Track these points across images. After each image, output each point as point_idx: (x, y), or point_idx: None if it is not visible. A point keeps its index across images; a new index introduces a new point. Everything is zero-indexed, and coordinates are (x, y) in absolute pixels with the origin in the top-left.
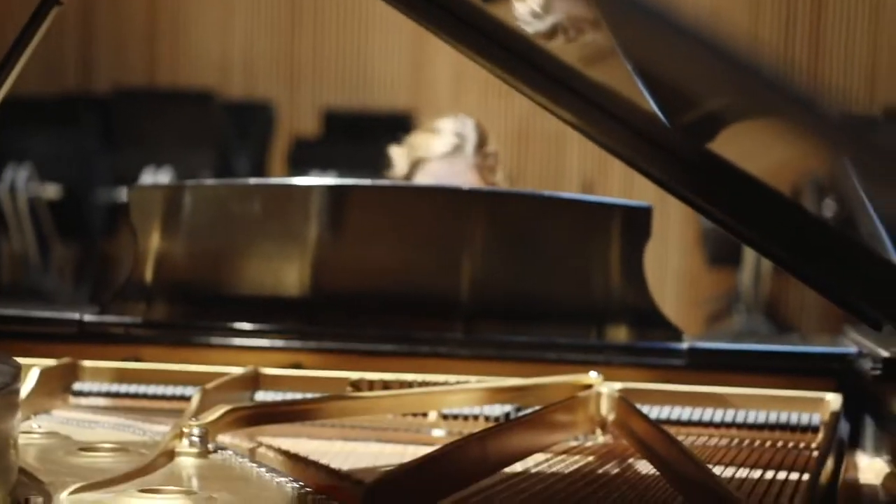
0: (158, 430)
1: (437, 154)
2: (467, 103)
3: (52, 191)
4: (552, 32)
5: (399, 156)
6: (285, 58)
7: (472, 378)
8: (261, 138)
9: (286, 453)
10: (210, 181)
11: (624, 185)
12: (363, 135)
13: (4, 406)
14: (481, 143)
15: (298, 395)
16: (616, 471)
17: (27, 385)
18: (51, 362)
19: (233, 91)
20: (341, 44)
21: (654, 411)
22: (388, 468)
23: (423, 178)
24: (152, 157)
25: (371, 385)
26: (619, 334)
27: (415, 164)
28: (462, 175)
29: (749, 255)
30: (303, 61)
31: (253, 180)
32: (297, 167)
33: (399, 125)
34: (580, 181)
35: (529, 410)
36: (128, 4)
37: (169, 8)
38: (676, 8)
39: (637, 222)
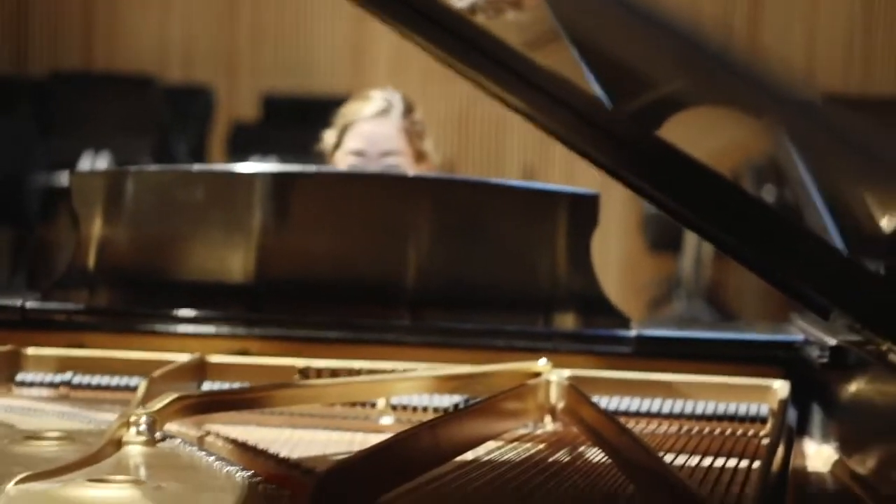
0: (105, 418)
1: (365, 115)
2: (407, 88)
3: None
4: (471, 10)
5: (330, 135)
6: (224, 42)
7: (421, 366)
8: (200, 123)
9: (235, 442)
10: (153, 167)
11: (566, 172)
12: (303, 120)
13: None
14: (408, 109)
15: (245, 384)
16: (567, 459)
17: None
18: None
19: (172, 76)
20: (280, 28)
21: (602, 400)
22: (338, 457)
23: (352, 141)
24: (90, 142)
25: (319, 373)
26: (567, 321)
27: (343, 129)
28: (391, 137)
29: (690, 240)
30: (242, 46)
31: (196, 167)
32: (237, 152)
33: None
34: (521, 167)
35: (480, 399)
36: None
37: None
38: None
39: (583, 210)
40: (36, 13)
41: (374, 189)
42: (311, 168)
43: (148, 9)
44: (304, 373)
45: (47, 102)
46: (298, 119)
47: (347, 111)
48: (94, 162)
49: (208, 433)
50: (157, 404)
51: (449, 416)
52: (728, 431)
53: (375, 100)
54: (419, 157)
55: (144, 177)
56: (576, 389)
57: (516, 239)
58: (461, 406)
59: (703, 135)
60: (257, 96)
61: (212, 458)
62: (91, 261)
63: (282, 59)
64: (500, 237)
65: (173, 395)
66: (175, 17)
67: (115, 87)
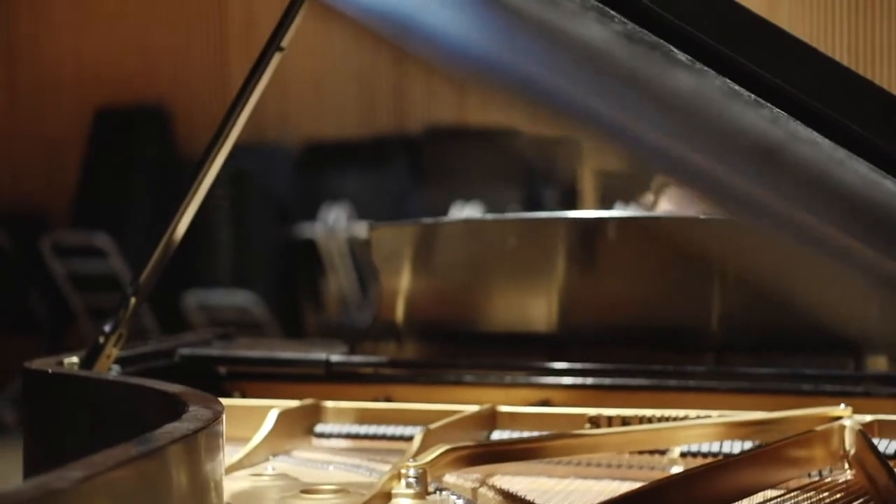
0: (387, 469)
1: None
2: None
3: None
4: None
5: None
6: None
7: (716, 413)
8: (568, 172)
9: (504, 493)
10: (447, 218)
11: None
12: None
13: (206, 448)
14: None
15: (535, 434)
16: None
17: (265, 427)
18: (292, 403)
19: (540, 129)
20: None
21: None
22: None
23: (665, 204)
24: (461, 193)
25: (609, 421)
26: (878, 364)
27: (658, 191)
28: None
29: None
30: None
31: (491, 216)
32: (605, 201)
33: None
34: None
35: (757, 446)
36: None
37: None
38: None
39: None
40: (412, 73)
41: (676, 231)
42: (611, 212)
43: None
44: (595, 421)
45: (421, 156)
46: None
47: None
48: (463, 212)
49: (483, 484)
50: (428, 456)
51: (724, 461)
52: None
53: None
54: None
55: (441, 227)
56: (863, 435)
57: (823, 278)
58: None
59: None
60: None
61: None
62: (395, 314)
63: None
64: (805, 276)
65: (445, 447)
66: None
67: (484, 140)
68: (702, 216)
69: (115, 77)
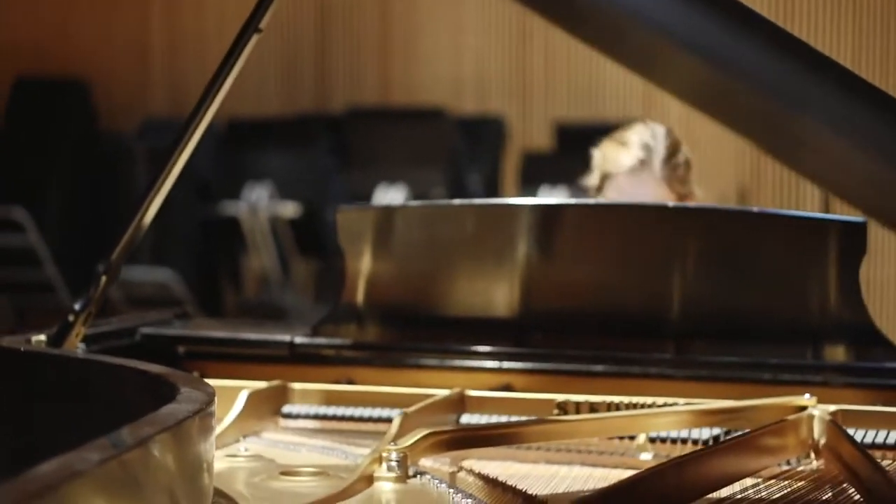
0: (362, 453)
1: (623, 169)
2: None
3: (290, 209)
4: None
5: (595, 165)
6: (517, 72)
7: (682, 400)
8: (493, 153)
9: (484, 478)
10: (415, 202)
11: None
12: (595, 146)
13: (199, 430)
14: (671, 153)
15: (504, 418)
16: (824, 497)
17: (235, 407)
18: (261, 384)
19: (465, 108)
20: (573, 56)
21: (881, 435)
22: (585, 494)
23: (610, 194)
24: (386, 175)
25: (577, 407)
26: (836, 354)
27: (604, 178)
28: (649, 192)
29: None
30: (534, 75)
31: (458, 201)
32: (530, 182)
33: None
34: (819, 195)
35: (737, 434)
36: (361, 28)
37: (401, 29)
38: None
39: (852, 238)
40: (335, 53)
41: (637, 219)
42: (570, 199)
43: (441, 45)
44: (563, 407)
45: (345, 137)
46: (590, 146)
47: (607, 157)
48: (389, 194)
49: (461, 469)
50: (409, 440)
51: (701, 452)
52: None
53: (633, 148)
54: (681, 199)
55: (408, 212)
56: (835, 425)
57: (783, 268)
58: (721, 438)
59: None
60: (550, 125)
61: (460, 495)
62: (358, 296)
63: (574, 87)
64: (767, 267)
65: (425, 431)
66: (468, 50)
67: (409, 120)
68: (668, 204)
69: (34, 48)
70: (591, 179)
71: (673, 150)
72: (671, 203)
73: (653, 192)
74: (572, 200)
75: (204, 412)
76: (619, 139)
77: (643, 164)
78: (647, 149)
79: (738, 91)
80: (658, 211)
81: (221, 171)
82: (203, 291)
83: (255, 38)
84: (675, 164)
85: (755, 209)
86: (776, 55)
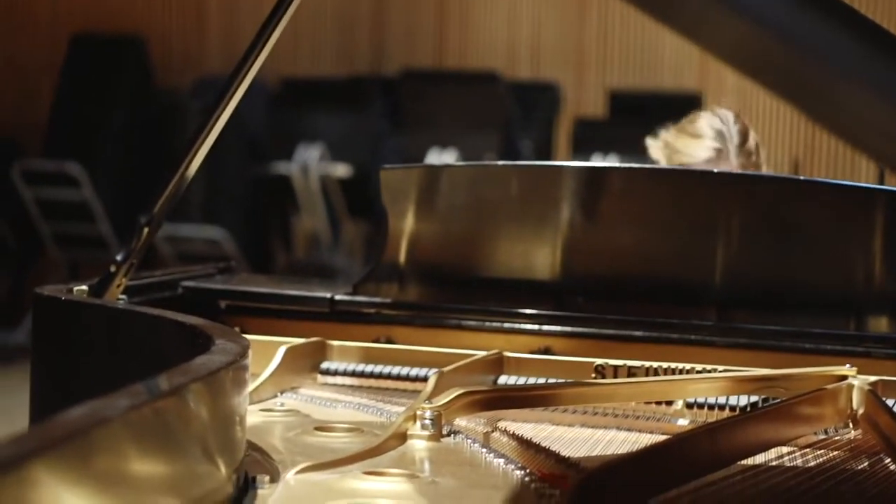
0: (398, 411)
1: (700, 161)
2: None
3: (342, 170)
4: None
5: (657, 151)
6: (572, 39)
7: (721, 368)
8: (546, 119)
9: (518, 438)
10: (460, 163)
11: None
12: (648, 115)
13: (231, 382)
14: (743, 140)
15: (542, 381)
16: (860, 466)
17: (273, 363)
18: (299, 340)
19: (520, 73)
20: (627, 25)
21: None
22: (618, 456)
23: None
24: (438, 138)
25: (615, 371)
26: (880, 325)
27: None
28: None
29: None
30: (589, 43)
31: (502, 163)
32: (582, 149)
33: (685, 106)
34: (876, 167)
35: (775, 401)
36: None
37: None
38: None
39: None
40: (392, 16)
41: (684, 186)
42: (619, 164)
43: (497, 8)
44: (600, 370)
45: (399, 99)
46: (644, 114)
47: (680, 149)
48: (441, 158)
49: (495, 429)
50: (443, 399)
51: (735, 419)
52: None
53: (707, 140)
54: None
55: (452, 172)
56: (875, 395)
57: (828, 238)
58: (759, 405)
59: None
60: (603, 92)
61: (493, 454)
62: (400, 256)
63: (628, 55)
64: (812, 236)
65: (459, 391)
66: (524, 16)
67: (463, 84)
68: (713, 171)
69: (90, 5)
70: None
71: (744, 135)
72: (717, 170)
73: None
74: (617, 164)
75: (237, 364)
76: (690, 131)
77: (720, 153)
78: (722, 137)
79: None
80: (704, 177)
81: (274, 131)
82: (253, 251)
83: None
84: (748, 151)
85: (801, 177)
86: (824, 21)
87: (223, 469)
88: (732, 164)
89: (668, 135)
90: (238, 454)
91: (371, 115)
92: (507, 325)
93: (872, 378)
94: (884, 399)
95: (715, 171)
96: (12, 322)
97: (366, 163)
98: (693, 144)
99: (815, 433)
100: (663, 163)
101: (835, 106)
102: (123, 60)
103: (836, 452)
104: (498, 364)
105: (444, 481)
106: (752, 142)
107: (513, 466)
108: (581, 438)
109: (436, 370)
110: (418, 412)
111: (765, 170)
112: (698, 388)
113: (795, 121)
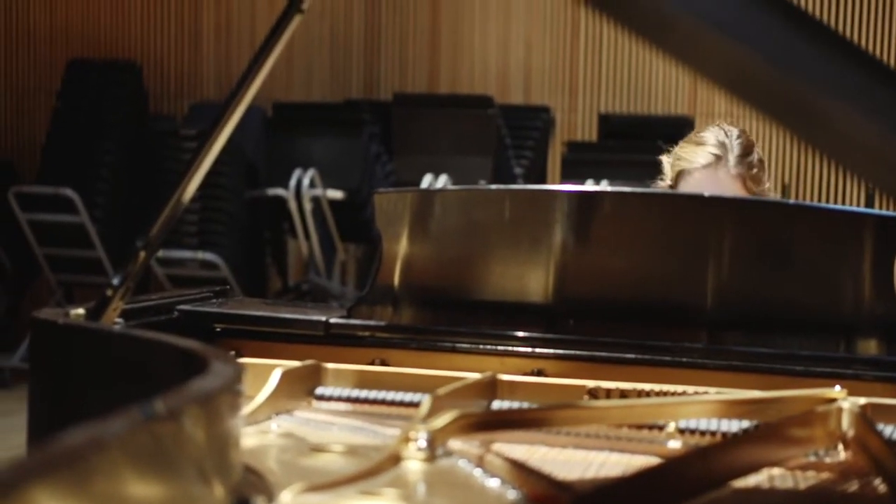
0: (393, 433)
1: (697, 165)
2: (745, 111)
3: (335, 194)
4: None
5: (667, 165)
6: (564, 67)
7: (713, 390)
8: (538, 145)
9: (510, 460)
10: (454, 187)
11: None
12: (640, 139)
13: (227, 404)
14: (745, 151)
15: (534, 404)
16: (850, 490)
17: (269, 385)
18: (294, 364)
19: (511, 99)
20: (619, 51)
21: None
22: (610, 479)
23: (685, 189)
24: (431, 163)
25: (608, 394)
26: (869, 348)
27: (678, 176)
28: (724, 186)
29: None
30: (581, 70)
31: (495, 186)
32: (573, 175)
33: (676, 131)
34: (864, 192)
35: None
36: (411, 17)
37: (450, 19)
38: None
39: (886, 232)
40: (385, 42)
41: (675, 209)
42: (608, 188)
43: (490, 34)
44: (594, 393)
45: (392, 124)
46: (635, 139)
47: (682, 155)
48: (435, 183)
49: (489, 451)
50: (439, 421)
51: (727, 441)
52: None
53: (708, 146)
54: None
55: (446, 196)
56: (864, 418)
57: (818, 262)
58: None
59: None
60: (595, 117)
61: (486, 476)
62: (394, 278)
63: (620, 80)
64: (803, 260)
65: (455, 413)
66: (516, 41)
67: (455, 109)
68: (703, 194)
69: (87, 30)
70: (667, 179)
71: (747, 148)
72: (707, 193)
73: (728, 188)
74: (608, 188)
75: (233, 387)
76: (694, 139)
77: (718, 160)
78: (722, 146)
79: (773, 74)
80: (694, 201)
81: (268, 157)
82: (248, 276)
83: (297, 19)
84: (749, 163)
85: (790, 201)
86: (809, 42)
87: (218, 491)
88: (731, 173)
89: (677, 147)
90: (233, 476)
91: (364, 139)
92: (500, 347)
93: (862, 400)
94: (873, 421)
95: (706, 194)
96: (9, 345)
97: (359, 187)
98: (694, 151)
99: (806, 455)
100: (668, 171)
101: (823, 127)
102: (119, 86)
103: (826, 474)
104: (492, 387)
105: (438, 502)
106: (755, 156)
107: (506, 488)
108: (574, 460)
109: (430, 393)
110: (412, 434)
111: (768, 186)
112: (689, 410)
113: (785, 146)
